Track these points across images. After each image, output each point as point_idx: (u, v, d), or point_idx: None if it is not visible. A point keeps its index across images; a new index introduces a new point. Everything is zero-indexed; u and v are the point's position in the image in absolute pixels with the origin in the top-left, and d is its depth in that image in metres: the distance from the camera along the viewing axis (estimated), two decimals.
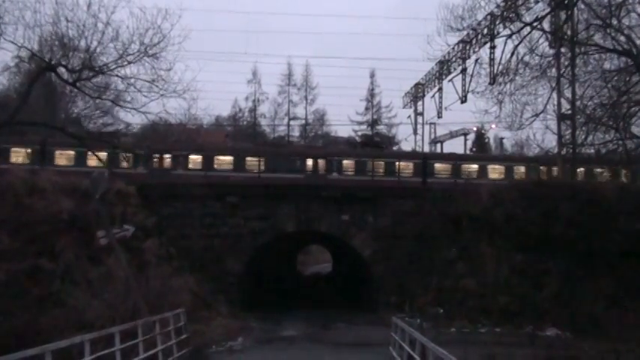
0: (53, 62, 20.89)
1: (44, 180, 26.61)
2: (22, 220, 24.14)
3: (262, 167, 37.14)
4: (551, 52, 28.55)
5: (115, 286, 21.15)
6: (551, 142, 35.56)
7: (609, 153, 28.97)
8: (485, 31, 35.26)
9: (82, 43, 20.32)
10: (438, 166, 39.51)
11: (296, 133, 69.53)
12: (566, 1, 28.30)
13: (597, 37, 26.01)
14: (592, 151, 30.59)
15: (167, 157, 35.85)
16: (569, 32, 28.32)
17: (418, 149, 56.11)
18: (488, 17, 33.58)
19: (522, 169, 39.52)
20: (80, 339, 11.73)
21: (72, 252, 23.74)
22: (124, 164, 30.64)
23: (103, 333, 13.32)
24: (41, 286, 21.71)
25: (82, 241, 24.23)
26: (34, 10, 20.17)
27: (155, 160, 34.31)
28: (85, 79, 21.23)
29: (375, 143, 54.85)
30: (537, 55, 27.61)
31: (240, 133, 67.51)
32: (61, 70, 21.27)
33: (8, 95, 43.32)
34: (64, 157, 36.15)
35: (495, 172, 39.50)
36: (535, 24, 27.19)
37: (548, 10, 28.52)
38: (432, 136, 60.13)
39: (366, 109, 69.09)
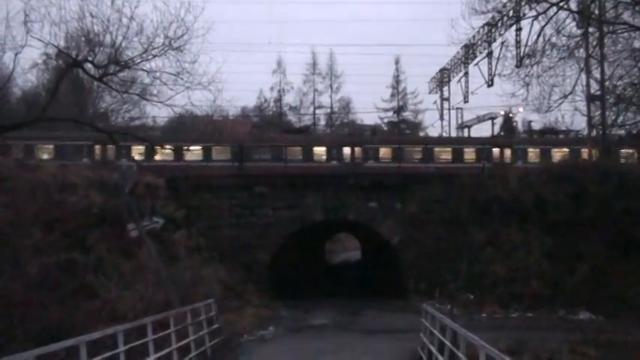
0: (80, 58, 21.03)
1: (74, 175, 27.00)
2: (54, 216, 24.52)
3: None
4: (579, 32, 27.91)
5: (146, 277, 21.41)
6: (580, 123, 35.05)
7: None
8: (511, 12, 34.73)
9: (108, 38, 20.43)
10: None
11: (322, 121, 69.51)
12: None
13: (626, 16, 25.39)
14: (623, 132, 30.07)
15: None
16: (596, 11, 27.74)
17: (445, 135, 55.76)
18: None
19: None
20: (114, 330, 11.88)
21: (103, 245, 24.07)
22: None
23: (135, 324, 13.45)
24: (74, 280, 22.02)
25: (113, 235, 24.56)
26: (59, 7, 20.30)
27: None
28: (112, 73, 21.35)
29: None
30: (564, 35, 27.02)
31: (267, 123, 67.62)
32: (88, 65, 21.41)
33: (37, 92, 43.95)
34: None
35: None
36: (562, 4, 26.59)
37: None
38: (459, 121, 59.63)
39: (392, 95, 68.73)
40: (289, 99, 67.80)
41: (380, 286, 33.61)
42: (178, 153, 33.49)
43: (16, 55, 19.95)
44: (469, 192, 28.58)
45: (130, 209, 22.81)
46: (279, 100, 67.47)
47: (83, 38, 21.59)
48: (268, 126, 61.76)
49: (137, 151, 34.03)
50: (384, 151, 38.82)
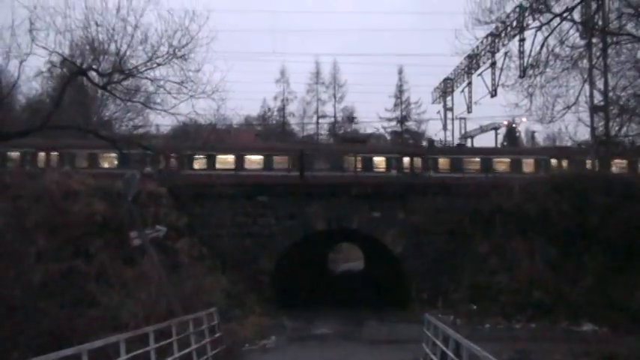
0: (84, 66, 21.13)
1: (78, 183, 27.03)
2: (58, 223, 24.54)
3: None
4: (582, 42, 28.03)
5: (148, 286, 21.37)
6: (583, 134, 35.00)
7: None
8: (514, 23, 34.85)
9: (112, 47, 20.50)
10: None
11: (325, 131, 69.54)
12: None
13: (629, 27, 25.47)
14: (626, 142, 30.04)
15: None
16: (600, 22, 27.82)
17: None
18: (517, 9, 33.19)
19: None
20: (116, 339, 11.87)
21: (106, 253, 24.07)
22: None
23: (138, 332, 13.45)
24: (77, 287, 22.03)
25: (115, 243, 24.54)
26: (64, 16, 20.36)
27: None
28: (116, 82, 21.44)
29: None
30: (568, 46, 27.15)
31: (270, 132, 67.69)
32: (92, 73, 21.51)
33: (41, 100, 44.09)
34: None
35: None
36: (565, 15, 26.76)
37: (578, 0, 28.06)
38: (462, 131, 59.62)
39: (395, 105, 68.74)
40: (292, 108, 67.93)
41: (382, 295, 33.55)
42: (240, 161, 34.02)
43: (20, 62, 20.03)
44: (472, 202, 28.54)
45: (133, 217, 22.82)
46: (282, 109, 67.59)
47: (88, 46, 21.69)
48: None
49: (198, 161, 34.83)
50: (443, 162, 38.89)
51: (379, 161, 38.99)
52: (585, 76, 29.95)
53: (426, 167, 38.29)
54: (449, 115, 57.30)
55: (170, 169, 33.37)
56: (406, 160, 38.85)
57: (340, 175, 35.70)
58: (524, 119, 51.67)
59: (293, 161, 37.23)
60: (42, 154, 37.03)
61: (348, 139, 53.50)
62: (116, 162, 35.99)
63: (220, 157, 36.59)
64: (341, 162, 37.96)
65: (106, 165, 36.88)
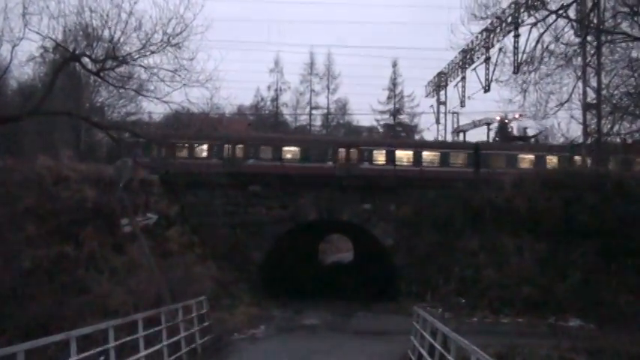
0: (77, 52, 20.99)
1: (69, 169, 26.93)
2: (48, 209, 24.46)
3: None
4: (577, 40, 28.03)
5: (138, 273, 21.40)
6: (576, 131, 35.11)
7: (635, 143, 28.59)
8: (510, 19, 34.85)
9: (106, 33, 20.36)
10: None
11: (318, 122, 69.56)
12: None
13: (624, 26, 25.47)
14: (618, 140, 30.17)
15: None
16: (595, 20, 27.86)
17: (440, 139, 55.81)
18: (513, 5, 33.17)
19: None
20: (104, 325, 11.90)
21: (96, 240, 24.03)
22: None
23: (126, 320, 13.47)
24: (66, 274, 22.01)
25: (106, 230, 24.52)
26: (58, 1, 20.24)
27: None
28: (109, 68, 21.29)
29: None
30: (563, 43, 27.10)
31: (262, 122, 67.63)
32: (85, 59, 21.36)
33: (33, 85, 43.75)
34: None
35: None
36: (560, 12, 26.69)
37: None
38: (455, 126, 59.71)
39: (389, 98, 68.94)
40: (286, 98, 67.94)
41: (372, 288, 33.61)
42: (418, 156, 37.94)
43: (13, 47, 19.85)
44: (463, 196, 28.62)
45: (124, 204, 22.78)
46: (275, 99, 67.57)
47: (81, 32, 21.56)
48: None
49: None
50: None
51: (551, 159, 39.13)
52: (579, 73, 30.04)
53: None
54: (442, 109, 57.42)
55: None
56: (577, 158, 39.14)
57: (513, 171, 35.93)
58: (517, 115, 51.70)
59: (467, 158, 38.48)
60: None
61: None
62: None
63: (399, 153, 38.73)
64: (514, 160, 38.42)
65: None
